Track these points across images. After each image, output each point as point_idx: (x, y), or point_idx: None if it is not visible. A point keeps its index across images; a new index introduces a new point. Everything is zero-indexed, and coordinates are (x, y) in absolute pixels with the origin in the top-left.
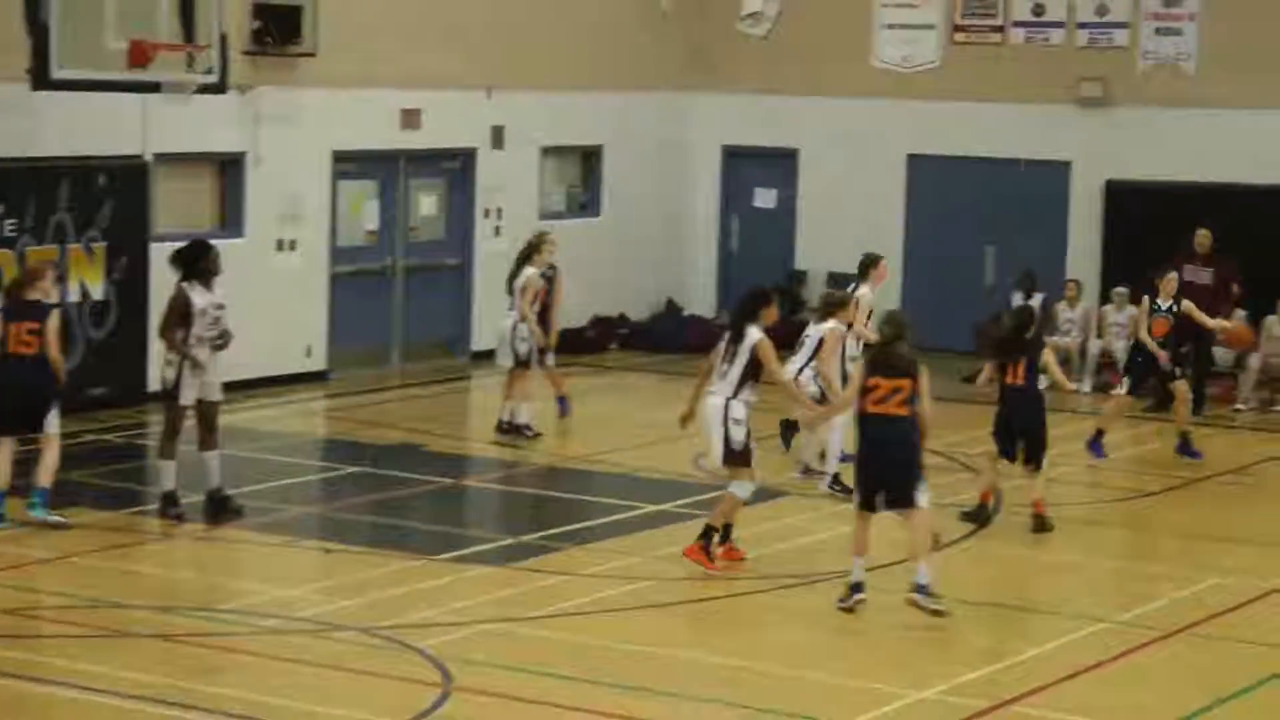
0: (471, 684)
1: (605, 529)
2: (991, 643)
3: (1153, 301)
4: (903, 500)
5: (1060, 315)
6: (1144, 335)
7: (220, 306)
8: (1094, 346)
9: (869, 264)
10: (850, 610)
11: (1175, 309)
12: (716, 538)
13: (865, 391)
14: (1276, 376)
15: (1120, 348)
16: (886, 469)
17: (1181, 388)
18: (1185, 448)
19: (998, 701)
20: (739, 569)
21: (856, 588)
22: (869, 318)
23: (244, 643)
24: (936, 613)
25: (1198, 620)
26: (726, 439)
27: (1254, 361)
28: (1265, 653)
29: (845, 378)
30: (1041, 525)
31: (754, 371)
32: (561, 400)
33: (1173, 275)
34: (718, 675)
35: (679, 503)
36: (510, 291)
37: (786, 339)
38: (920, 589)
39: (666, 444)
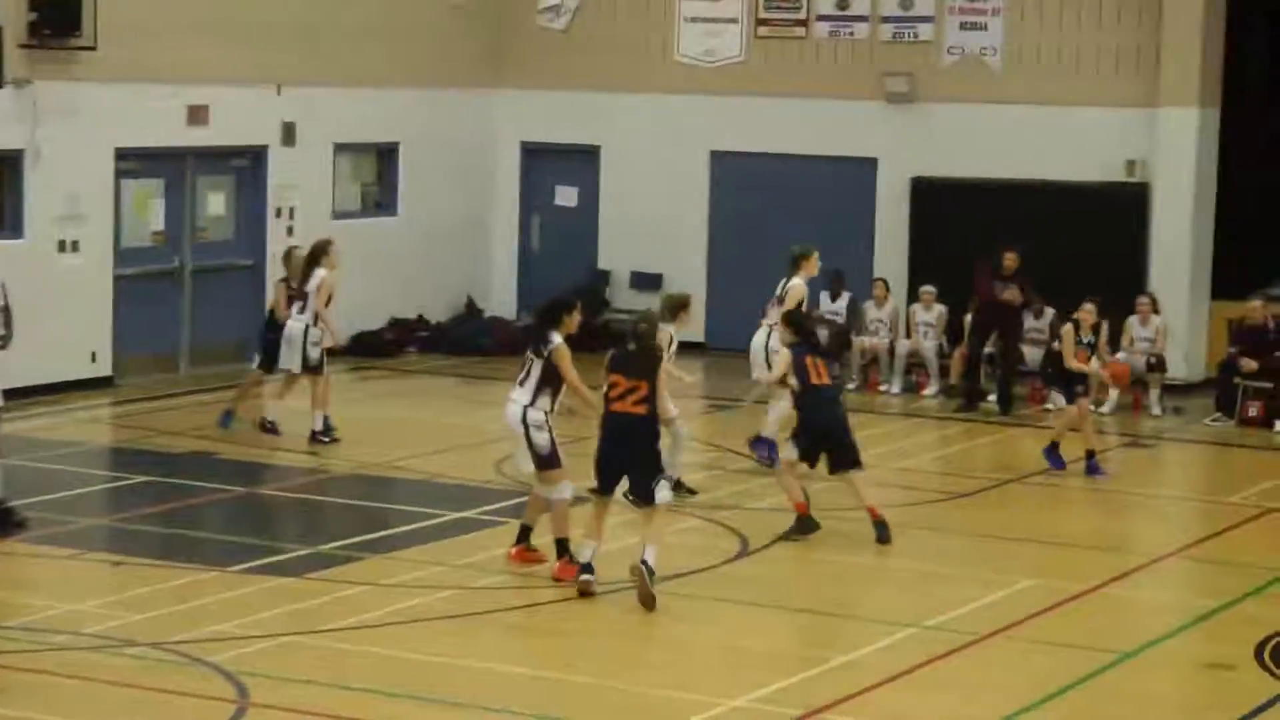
0: (268, 699)
1: (407, 537)
2: (803, 649)
3: (1076, 333)
4: (641, 495)
5: (868, 315)
6: (1074, 363)
7: (1, 309)
8: (902, 346)
9: (802, 255)
10: (586, 594)
11: (1094, 341)
12: (527, 538)
13: (608, 389)
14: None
15: (929, 347)
16: (623, 466)
17: (1084, 404)
18: (1052, 452)
19: (810, 709)
20: (537, 572)
21: (587, 568)
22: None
23: (31, 660)
24: (649, 595)
25: (1010, 623)
26: (532, 447)
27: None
28: (1077, 655)
29: None
30: (884, 531)
31: (552, 379)
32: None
33: (1089, 308)
34: (524, 686)
35: (482, 509)
36: (302, 294)
37: (590, 342)
38: (645, 565)
39: (468, 449)
